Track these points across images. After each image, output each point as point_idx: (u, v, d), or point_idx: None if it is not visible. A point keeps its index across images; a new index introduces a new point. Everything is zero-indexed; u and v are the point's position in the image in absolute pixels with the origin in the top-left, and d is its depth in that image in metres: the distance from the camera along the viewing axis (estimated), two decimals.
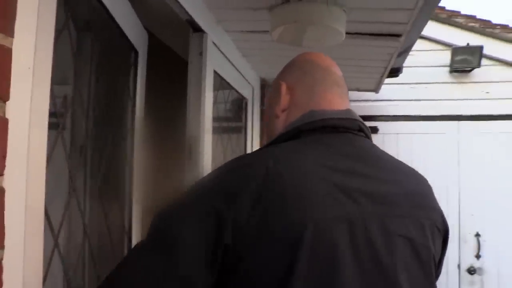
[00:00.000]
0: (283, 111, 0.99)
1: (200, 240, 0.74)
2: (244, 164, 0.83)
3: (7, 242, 0.64)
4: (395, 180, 0.89)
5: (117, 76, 1.58)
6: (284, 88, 1.00)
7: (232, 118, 2.70)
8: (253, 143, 2.80)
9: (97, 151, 1.39)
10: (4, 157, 0.64)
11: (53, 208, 1.05)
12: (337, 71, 1.02)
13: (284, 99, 0.99)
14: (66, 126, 1.25)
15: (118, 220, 1.55)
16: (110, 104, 1.53)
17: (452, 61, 3.71)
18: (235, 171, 0.82)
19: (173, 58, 2.22)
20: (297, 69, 1.02)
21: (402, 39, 1.97)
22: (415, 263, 0.84)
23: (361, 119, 0.95)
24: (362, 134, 0.95)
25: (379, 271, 0.79)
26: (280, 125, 0.98)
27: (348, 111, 0.96)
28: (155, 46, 1.88)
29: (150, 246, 0.78)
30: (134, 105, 1.63)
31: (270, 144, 0.95)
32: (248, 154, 0.92)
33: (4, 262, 0.63)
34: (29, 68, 0.70)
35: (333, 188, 0.80)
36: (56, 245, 0.98)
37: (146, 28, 1.73)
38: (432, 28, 3.47)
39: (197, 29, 1.75)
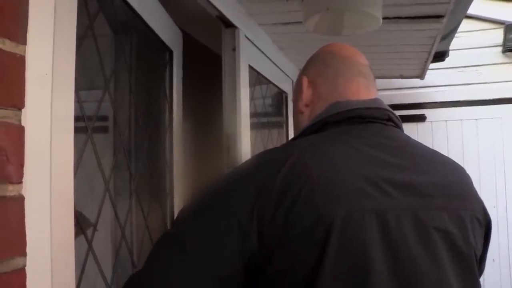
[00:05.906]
0: (306, 106, 0.97)
1: (226, 251, 0.73)
2: (266, 161, 0.80)
3: (29, 249, 0.64)
4: (430, 171, 0.84)
5: (153, 77, 1.59)
6: (305, 82, 0.98)
7: (272, 113, 2.67)
8: None
9: (137, 152, 1.40)
10: (22, 165, 0.63)
11: (92, 212, 1.06)
12: (361, 60, 0.98)
13: (306, 93, 0.97)
14: (108, 129, 1.27)
15: (159, 222, 1.56)
16: (147, 105, 1.54)
17: (505, 39, 3.49)
18: (256, 169, 0.78)
19: (209, 56, 2.21)
20: (319, 62, 1.00)
21: (444, 20, 1.86)
22: (454, 258, 0.78)
23: (390, 108, 0.91)
24: (391, 123, 0.90)
25: (413, 267, 0.74)
26: (305, 120, 0.96)
27: (375, 100, 0.92)
28: (191, 44, 1.88)
29: (178, 250, 0.75)
30: (171, 105, 1.63)
31: (295, 138, 0.92)
32: (271, 149, 0.90)
33: (27, 268, 0.63)
34: (46, 74, 0.70)
35: (362, 180, 0.76)
36: (90, 248, 0.99)
37: (180, 27, 1.72)
38: (479, 5, 3.26)
39: (229, 24, 1.73)
